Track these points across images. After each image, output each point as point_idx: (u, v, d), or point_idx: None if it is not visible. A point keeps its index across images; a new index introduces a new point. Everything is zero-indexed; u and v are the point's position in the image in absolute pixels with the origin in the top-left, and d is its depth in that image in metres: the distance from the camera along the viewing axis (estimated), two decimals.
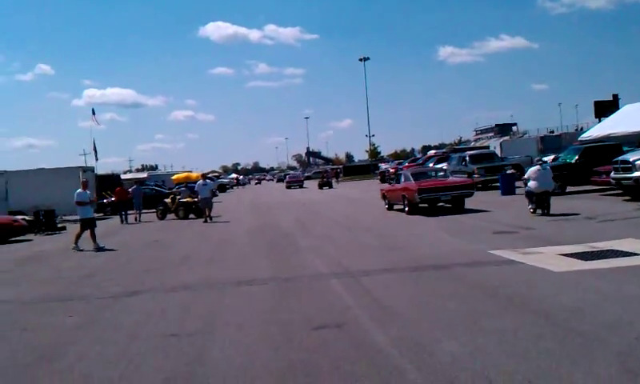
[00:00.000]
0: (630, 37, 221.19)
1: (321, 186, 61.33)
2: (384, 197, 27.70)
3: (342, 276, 11.19)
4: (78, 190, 19.47)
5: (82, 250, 18.51)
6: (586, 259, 10.82)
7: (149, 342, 7.63)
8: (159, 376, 6.22)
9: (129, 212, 31.66)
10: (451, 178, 25.97)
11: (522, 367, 5.63)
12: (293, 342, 7.09)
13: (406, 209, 23.70)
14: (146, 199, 33.69)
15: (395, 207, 25.79)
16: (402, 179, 25.23)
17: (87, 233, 18.94)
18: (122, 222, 30.74)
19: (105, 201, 38.21)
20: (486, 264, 11.28)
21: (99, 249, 18.40)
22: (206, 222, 26.52)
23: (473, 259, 11.88)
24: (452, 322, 7.42)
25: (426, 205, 23.54)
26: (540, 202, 19.24)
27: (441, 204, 23.82)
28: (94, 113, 62.97)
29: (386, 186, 29.60)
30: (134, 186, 33.90)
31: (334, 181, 72.00)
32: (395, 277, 10.83)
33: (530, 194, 19.65)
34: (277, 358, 6.49)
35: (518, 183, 29.68)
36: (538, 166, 19.97)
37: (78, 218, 20.10)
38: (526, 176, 20.53)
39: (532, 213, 19.35)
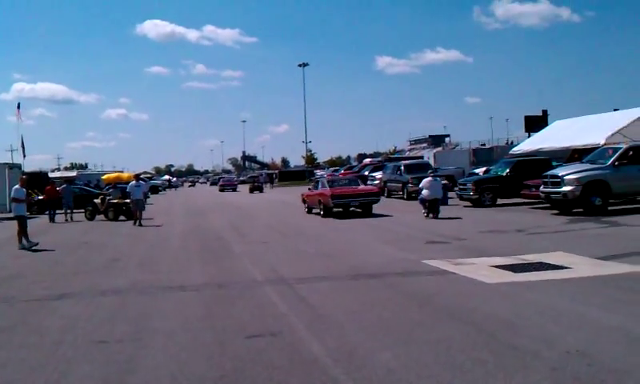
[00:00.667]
0: (561, 54, 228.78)
1: (251, 191, 64.38)
2: (304, 201, 30.44)
3: (277, 283, 11.08)
4: (16, 186, 18.94)
5: (35, 244, 18.18)
6: (518, 271, 11.01)
7: (76, 348, 7.33)
8: None
9: (57, 211, 31.03)
10: (361, 186, 28.88)
11: (457, 379, 5.63)
12: (226, 350, 6.93)
13: (322, 212, 26.62)
14: (75, 199, 32.76)
15: (314, 211, 28.29)
16: (320, 186, 28.38)
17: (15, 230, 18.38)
18: (50, 220, 30.09)
19: (31, 199, 36.96)
20: (420, 274, 11.36)
21: (28, 248, 17.81)
22: (136, 224, 25.56)
23: (407, 268, 11.95)
24: (387, 332, 7.40)
25: (340, 209, 26.36)
26: (431, 207, 23.03)
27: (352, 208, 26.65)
28: (19, 107, 61.02)
29: (307, 191, 31.85)
30: (64, 185, 33.19)
31: (268, 186, 73.34)
32: (330, 285, 10.77)
33: (422, 201, 23.54)
34: (209, 367, 6.32)
35: (450, 194, 30.26)
36: (430, 178, 23.99)
37: (13, 215, 19.46)
38: (420, 186, 24.21)
39: (425, 216, 23.05)
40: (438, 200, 23.37)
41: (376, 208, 27.11)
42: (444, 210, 23.94)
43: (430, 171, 26.60)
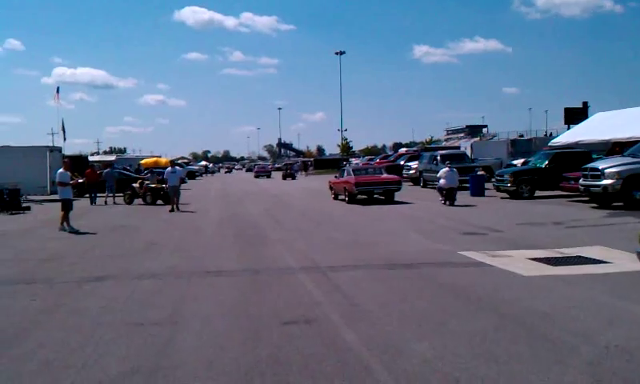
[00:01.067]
0: (602, 46, 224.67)
1: (284, 177, 67.38)
2: (331, 188, 32.39)
3: (312, 271, 11.10)
4: (60, 170, 19.17)
5: (76, 231, 18.28)
6: (555, 264, 10.87)
7: (113, 329, 7.44)
8: (124, 366, 6.06)
9: (98, 194, 31.59)
10: (384, 175, 30.09)
11: (492, 371, 5.59)
12: (261, 336, 6.97)
13: (346, 199, 28.27)
14: (100, 184, 33.15)
15: (340, 197, 29.96)
16: (345, 174, 30.16)
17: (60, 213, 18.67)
18: (91, 203, 30.67)
19: (72, 182, 37.59)
20: (456, 265, 11.29)
21: (72, 231, 18.10)
22: (172, 210, 25.33)
23: (442, 259, 11.89)
24: (422, 323, 7.37)
25: (365, 196, 27.78)
26: (448, 195, 24.99)
27: (376, 196, 28.08)
28: (58, 91, 62.05)
29: (333, 178, 33.27)
30: (107, 169, 33.71)
31: (302, 174, 74.39)
32: (365, 274, 10.76)
33: (440, 190, 25.63)
34: (245, 353, 6.37)
35: (487, 185, 29.99)
36: (447, 168, 25.85)
37: (58, 198, 19.72)
38: (438, 175, 26.34)
39: (442, 204, 24.94)
40: (454, 189, 25.31)
41: (411, 197, 27.61)
42: (475, 200, 25.13)
43: (447, 163, 27.68)
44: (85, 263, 12.72)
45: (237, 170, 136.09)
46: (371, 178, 28.58)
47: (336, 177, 32.81)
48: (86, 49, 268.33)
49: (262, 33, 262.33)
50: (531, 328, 6.98)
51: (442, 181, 25.51)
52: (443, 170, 25.89)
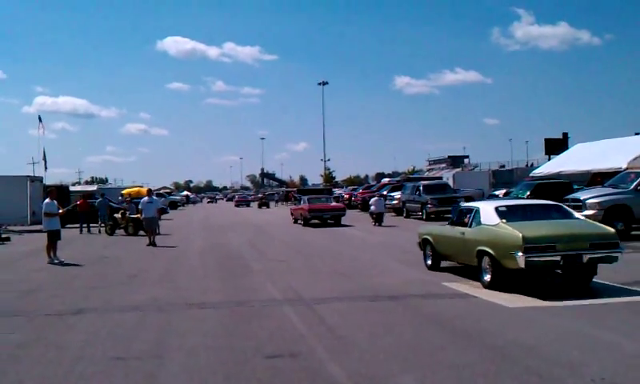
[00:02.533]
0: (581, 77, 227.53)
1: (260, 206, 76.66)
2: (291, 213, 39.64)
3: (296, 303, 11.04)
4: (47, 201, 18.96)
5: (61, 262, 18.03)
6: (539, 296, 10.87)
7: (94, 364, 7.32)
8: None
9: (91, 224, 32.50)
10: (332, 203, 37.33)
11: None
12: (245, 370, 6.89)
13: (302, 222, 34.94)
14: (95, 213, 33.03)
15: (298, 221, 36.26)
16: (301, 202, 37.36)
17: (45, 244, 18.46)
18: (80, 232, 31.27)
19: (60, 212, 37.37)
20: (441, 296, 11.28)
21: (57, 263, 17.87)
22: (150, 245, 23.08)
23: (426, 290, 11.88)
24: (408, 355, 7.33)
25: (317, 220, 34.16)
26: (378, 218, 31.94)
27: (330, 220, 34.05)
28: (40, 120, 61.83)
29: (293, 206, 41.47)
30: (100, 199, 33.94)
31: (283, 203, 79.50)
32: (349, 306, 10.70)
33: (371, 214, 32.92)
34: None
35: None
36: (376, 197, 34.63)
37: (43, 229, 19.46)
38: (370, 203, 34.52)
39: (373, 225, 31.56)
40: (382, 213, 32.67)
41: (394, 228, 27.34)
42: None
43: (377, 193, 36.49)
44: (66, 295, 12.55)
45: (218, 199, 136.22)
46: (322, 206, 35.15)
47: (295, 204, 41.21)
48: (68, 78, 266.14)
49: (244, 63, 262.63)
50: (517, 360, 6.95)
51: (372, 207, 32.78)
52: (374, 199, 33.81)
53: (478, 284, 12.12)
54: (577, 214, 13.30)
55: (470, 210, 13.29)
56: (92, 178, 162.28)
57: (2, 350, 8.20)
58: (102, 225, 31.86)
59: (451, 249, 13.93)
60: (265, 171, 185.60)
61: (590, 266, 11.60)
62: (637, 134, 35.09)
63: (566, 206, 13.96)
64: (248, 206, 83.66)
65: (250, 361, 7.29)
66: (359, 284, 12.94)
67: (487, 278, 11.86)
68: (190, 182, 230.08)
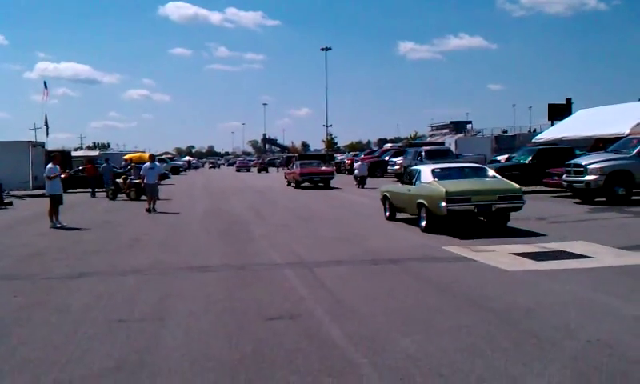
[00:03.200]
0: (586, 43, 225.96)
1: (259, 171, 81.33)
2: (285, 177, 42.98)
3: (296, 266, 11.11)
4: (49, 165, 19.01)
5: (63, 226, 18.14)
6: (538, 259, 10.94)
7: (97, 326, 7.40)
8: (108, 363, 6.03)
9: (97, 189, 32.85)
10: (322, 168, 40.46)
11: (476, 366, 5.62)
12: (246, 332, 6.96)
13: (294, 185, 38.10)
14: (99, 178, 33.15)
15: (291, 184, 39.22)
16: (294, 167, 40.20)
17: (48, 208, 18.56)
18: (92, 196, 32.20)
19: (61, 174, 37.56)
20: (440, 260, 11.34)
21: (59, 227, 17.98)
22: (149, 211, 22.58)
23: (426, 254, 11.95)
24: (407, 318, 7.40)
25: (308, 183, 37.13)
26: (361, 181, 35.47)
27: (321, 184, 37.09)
28: (45, 86, 61.61)
29: (287, 170, 44.23)
30: (105, 165, 34.03)
31: (284, 168, 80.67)
32: (349, 269, 10.78)
33: (355, 177, 36.73)
34: (229, 349, 6.36)
35: None
36: (360, 162, 39.81)
37: (46, 193, 19.61)
38: (354, 167, 39.38)
39: (357, 187, 34.70)
40: (365, 176, 36.12)
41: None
42: None
43: (360, 156, 42.16)
44: (68, 259, 12.63)
45: (220, 164, 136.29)
46: (313, 170, 38.27)
47: (289, 168, 44.13)
48: (70, 43, 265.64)
49: (247, 28, 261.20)
50: (515, 323, 7.03)
51: (356, 171, 36.89)
52: (358, 164, 38.26)
53: (478, 247, 12.22)
54: (493, 174, 16.51)
55: (415, 172, 16.82)
56: (94, 143, 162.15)
57: (5, 313, 8.29)
58: (108, 190, 31.86)
59: (402, 203, 17.28)
60: (267, 137, 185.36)
61: (500, 213, 15.15)
62: None
63: (487, 168, 17.97)
64: (248, 171, 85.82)
65: (250, 323, 7.37)
66: (359, 247, 13.00)
67: (423, 224, 15.29)
68: (192, 147, 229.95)
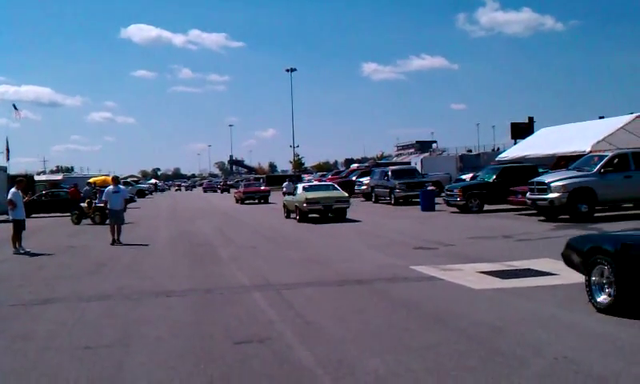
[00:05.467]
0: (545, 63, 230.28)
1: (222, 191, 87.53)
2: (234, 196, 52.83)
3: (265, 289, 11.06)
4: (13, 190, 18.65)
5: (27, 252, 17.77)
6: (505, 277, 11.06)
7: (62, 353, 7.27)
8: None
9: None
10: (262, 187, 51.64)
11: None
12: (214, 356, 6.90)
13: (240, 202, 47.54)
14: (61, 203, 32.79)
15: (238, 202, 48.11)
16: (240, 187, 53.96)
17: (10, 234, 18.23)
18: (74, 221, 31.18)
19: (24, 199, 37.04)
20: (408, 280, 11.39)
21: (22, 253, 17.63)
22: (113, 244, 19.65)
23: (394, 274, 11.98)
24: (375, 339, 7.40)
25: (249, 200, 46.87)
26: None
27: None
28: (15, 108, 60.88)
29: (235, 190, 56.58)
30: (86, 188, 34.15)
31: None
32: (318, 291, 10.76)
33: (284, 194, 35.71)
34: (197, 374, 6.30)
35: (437, 199, 30.41)
36: (287, 182, 42.62)
37: (9, 218, 19.29)
38: (283, 185, 42.39)
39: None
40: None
41: (362, 213, 29.42)
42: (425, 215, 27.75)
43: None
44: (33, 285, 12.42)
45: (183, 186, 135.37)
46: (253, 189, 50.20)
47: (237, 190, 54.28)
48: (31, 66, 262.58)
49: (211, 50, 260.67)
50: (482, 341, 7.08)
51: (284, 189, 39.07)
52: (285, 183, 41.81)
53: (445, 266, 12.32)
54: (335, 187, 29.56)
55: (296, 187, 29.45)
56: (57, 167, 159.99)
57: None
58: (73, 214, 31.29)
59: (291, 207, 28.40)
60: (233, 158, 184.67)
61: (338, 211, 26.55)
62: (600, 118, 35.63)
63: (335, 184, 31.91)
64: (214, 191, 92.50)
65: (218, 347, 7.31)
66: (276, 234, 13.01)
67: (297, 217, 26.98)
68: (158, 169, 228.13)
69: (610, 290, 8.02)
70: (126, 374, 6.41)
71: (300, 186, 29.00)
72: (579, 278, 10.59)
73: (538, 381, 5.69)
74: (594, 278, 8.34)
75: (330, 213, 26.48)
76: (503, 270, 11.78)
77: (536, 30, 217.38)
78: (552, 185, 21.08)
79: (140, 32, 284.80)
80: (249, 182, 58.51)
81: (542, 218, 22.05)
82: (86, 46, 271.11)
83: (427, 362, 6.37)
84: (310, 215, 26.18)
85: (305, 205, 25.74)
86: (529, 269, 11.81)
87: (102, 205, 26.92)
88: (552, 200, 20.92)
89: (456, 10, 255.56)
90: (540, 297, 9.40)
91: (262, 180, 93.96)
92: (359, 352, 6.85)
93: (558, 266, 11.93)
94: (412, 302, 9.42)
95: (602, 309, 8.06)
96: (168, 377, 6.23)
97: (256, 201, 47.15)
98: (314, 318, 8.67)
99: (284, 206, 29.93)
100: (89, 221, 29.28)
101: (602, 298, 8.13)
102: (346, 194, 27.77)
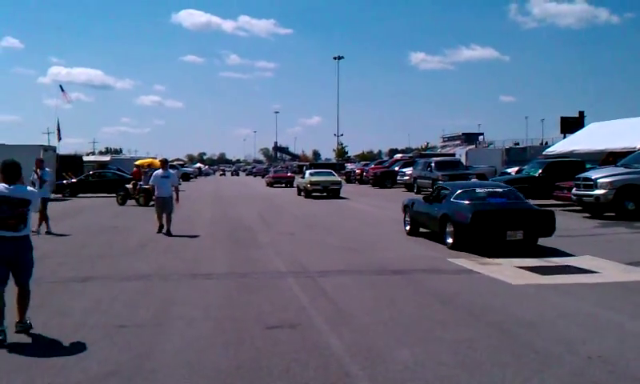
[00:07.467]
0: (598, 56, 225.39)
1: (263, 176, 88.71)
2: (265, 180, 60.12)
3: (300, 275, 11.08)
4: (48, 169, 18.82)
5: (49, 232, 17.76)
6: (543, 274, 10.86)
7: (96, 331, 7.39)
8: (104, 367, 6.02)
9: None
10: (289, 173, 61.23)
11: (474, 380, 5.57)
12: (244, 340, 6.93)
13: (267, 185, 54.18)
14: (107, 183, 33.28)
15: (267, 185, 54.52)
16: (270, 173, 66.05)
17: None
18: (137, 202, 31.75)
19: (64, 182, 37.66)
20: (445, 272, 11.28)
21: (47, 232, 17.68)
22: (159, 232, 17.52)
23: (431, 266, 11.88)
24: (407, 330, 7.35)
25: (278, 184, 53.21)
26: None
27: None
28: (62, 90, 61.70)
29: (267, 176, 63.96)
30: (148, 170, 34.13)
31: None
32: (353, 279, 10.72)
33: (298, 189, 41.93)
34: (226, 357, 6.34)
35: None
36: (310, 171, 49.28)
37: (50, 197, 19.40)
38: (304, 178, 43.32)
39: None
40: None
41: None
42: None
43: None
44: (73, 263, 12.65)
45: (227, 171, 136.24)
46: (280, 175, 58.63)
47: (268, 175, 63.35)
48: (84, 48, 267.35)
49: (259, 36, 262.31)
50: (516, 337, 6.97)
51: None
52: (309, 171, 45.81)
53: (483, 260, 12.16)
54: (332, 173, 39.69)
55: (304, 172, 45.22)
56: (106, 148, 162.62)
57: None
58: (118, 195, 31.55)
59: (301, 187, 37.22)
60: (278, 145, 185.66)
61: (334, 191, 35.22)
62: None
63: (332, 171, 41.42)
64: (255, 177, 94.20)
65: (249, 331, 7.33)
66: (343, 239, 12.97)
67: (303, 195, 36.13)
68: (204, 154, 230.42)
69: None
70: (157, 354, 6.48)
71: (307, 172, 39.82)
72: (620, 276, 10.41)
73: (571, 379, 5.57)
74: None
75: (327, 192, 35.17)
76: (542, 266, 11.57)
77: (590, 22, 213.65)
78: (598, 181, 20.62)
79: (191, 17, 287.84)
80: (276, 169, 79.19)
81: (587, 214, 21.59)
82: (137, 30, 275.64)
83: (459, 355, 6.29)
84: (312, 193, 34.95)
85: (309, 185, 35.16)
86: (568, 266, 11.58)
87: (148, 187, 26.50)
88: (598, 196, 20.46)
89: (508, 1, 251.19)
90: (579, 294, 9.21)
91: (305, 167, 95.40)
92: (389, 342, 6.81)
93: (600, 263, 11.77)
94: (447, 295, 9.31)
95: None
96: (198, 358, 6.28)
97: (283, 185, 53.05)
98: (347, 305, 8.64)
99: (297, 186, 40.31)
100: (133, 202, 29.68)
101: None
102: (340, 179, 39.04)
